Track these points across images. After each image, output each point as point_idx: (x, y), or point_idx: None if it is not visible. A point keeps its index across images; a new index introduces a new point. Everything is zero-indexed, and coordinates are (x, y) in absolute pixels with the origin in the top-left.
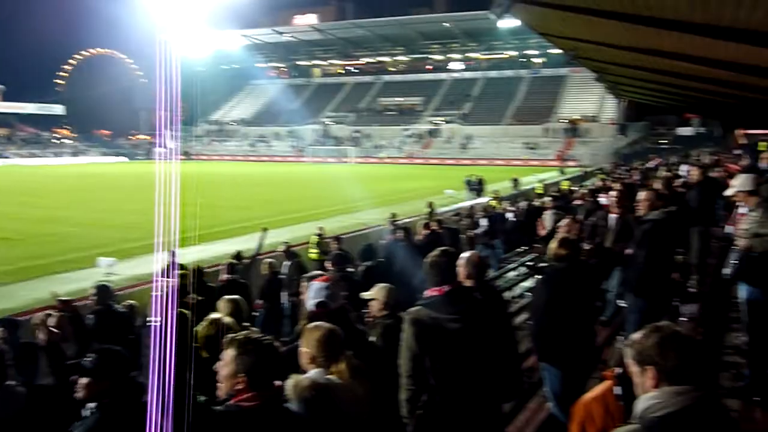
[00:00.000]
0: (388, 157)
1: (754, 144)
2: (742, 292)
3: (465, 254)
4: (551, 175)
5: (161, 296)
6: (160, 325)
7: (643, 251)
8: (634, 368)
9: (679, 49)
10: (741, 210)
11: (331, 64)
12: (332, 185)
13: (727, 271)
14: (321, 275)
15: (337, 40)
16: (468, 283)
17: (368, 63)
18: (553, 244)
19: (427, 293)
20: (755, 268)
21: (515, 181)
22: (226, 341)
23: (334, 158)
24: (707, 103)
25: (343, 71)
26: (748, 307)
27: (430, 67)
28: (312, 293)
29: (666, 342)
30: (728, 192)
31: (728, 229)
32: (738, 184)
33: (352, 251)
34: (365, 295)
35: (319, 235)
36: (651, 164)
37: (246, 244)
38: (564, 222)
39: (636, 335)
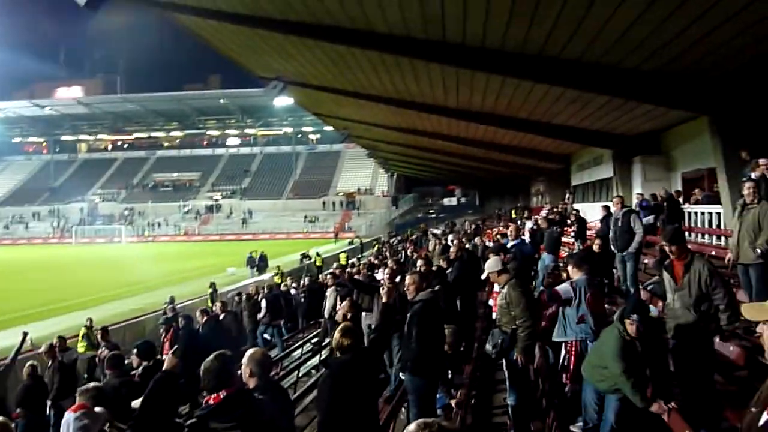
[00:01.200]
0: (165, 235)
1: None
2: (505, 363)
3: (249, 351)
4: (332, 247)
5: None
6: None
7: (415, 332)
8: None
9: (438, 129)
10: (496, 288)
11: (99, 139)
12: (103, 268)
13: (489, 347)
14: (87, 390)
15: (105, 114)
16: (252, 382)
17: (140, 138)
18: (336, 334)
19: (205, 402)
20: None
21: (304, 255)
22: None
23: (104, 238)
24: (466, 175)
25: (113, 146)
26: (509, 376)
27: (206, 142)
28: (63, 428)
29: None
30: (483, 275)
31: (491, 301)
32: (488, 266)
33: (127, 340)
34: (137, 403)
35: (88, 326)
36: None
37: (2, 341)
38: (344, 304)
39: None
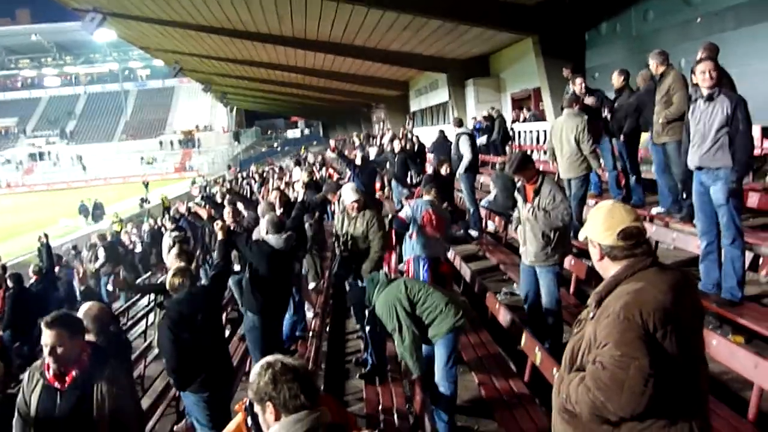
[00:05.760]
0: None
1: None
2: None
3: (83, 307)
4: (173, 189)
5: None
6: None
7: (257, 271)
8: (256, 407)
9: (274, 59)
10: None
11: None
12: None
13: (341, 272)
14: None
15: None
16: (90, 338)
17: None
18: (168, 275)
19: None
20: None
21: (143, 200)
22: None
23: None
24: (308, 106)
25: None
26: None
27: (21, 84)
28: None
29: (278, 377)
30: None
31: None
32: (345, 195)
33: None
34: None
35: None
36: (267, 168)
37: None
38: (171, 253)
39: (251, 374)
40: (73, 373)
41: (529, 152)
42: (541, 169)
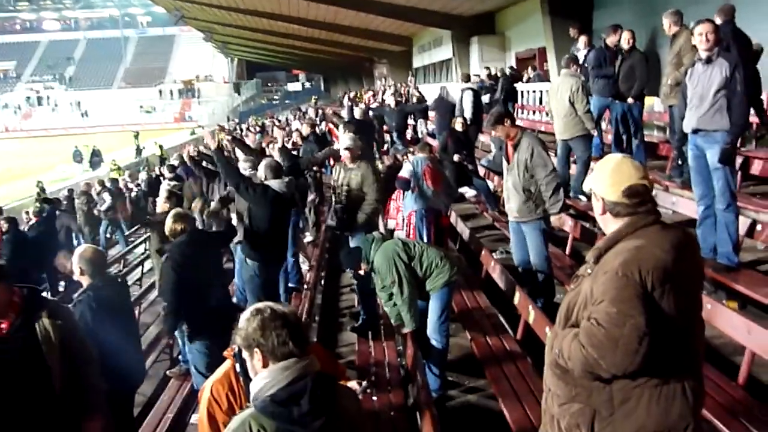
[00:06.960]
0: None
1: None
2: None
3: (78, 250)
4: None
5: None
6: None
7: (259, 217)
8: (244, 353)
9: (277, 9)
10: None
11: None
12: None
13: (331, 222)
14: None
15: None
16: (84, 280)
17: None
18: (168, 221)
19: None
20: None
21: (138, 149)
22: None
23: None
24: (310, 59)
25: None
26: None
27: (19, 27)
28: None
29: (267, 323)
30: (341, 152)
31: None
32: (341, 142)
33: None
34: None
35: None
36: (267, 121)
37: None
38: (162, 198)
39: (240, 320)
40: (10, 317)
41: (533, 112)
42: (543, 129)
